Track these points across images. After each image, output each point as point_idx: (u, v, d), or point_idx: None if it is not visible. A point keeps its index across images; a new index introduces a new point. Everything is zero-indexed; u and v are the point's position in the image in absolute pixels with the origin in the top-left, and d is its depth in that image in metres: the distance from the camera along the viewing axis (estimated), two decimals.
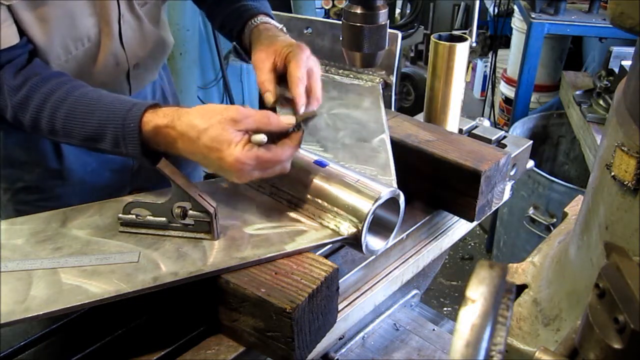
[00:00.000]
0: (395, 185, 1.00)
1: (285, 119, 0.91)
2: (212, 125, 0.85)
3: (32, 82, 0.97)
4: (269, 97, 1.02)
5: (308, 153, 1.03)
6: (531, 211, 2.53)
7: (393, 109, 1.40)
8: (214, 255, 0.86)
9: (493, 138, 1.29)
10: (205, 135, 0.85)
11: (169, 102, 1.46)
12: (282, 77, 1.05)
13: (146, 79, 1.32)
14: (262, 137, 0.87)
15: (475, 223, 1.20)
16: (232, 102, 3.81)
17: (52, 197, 1.28)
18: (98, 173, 1.31)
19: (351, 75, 1.38)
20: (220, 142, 0.84)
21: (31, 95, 0.96)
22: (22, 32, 0.99)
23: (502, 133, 1.32)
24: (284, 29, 1.18)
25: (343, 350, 1.19)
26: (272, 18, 1.19)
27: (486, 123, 1.38)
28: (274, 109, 1.00)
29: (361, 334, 1.23)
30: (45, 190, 1.28)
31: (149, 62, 1.28)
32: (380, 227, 0.97)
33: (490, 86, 3.93)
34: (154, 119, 0.90)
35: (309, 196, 0.96)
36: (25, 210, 1.28)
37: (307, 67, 1.02)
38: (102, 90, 0.99)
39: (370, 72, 1.37)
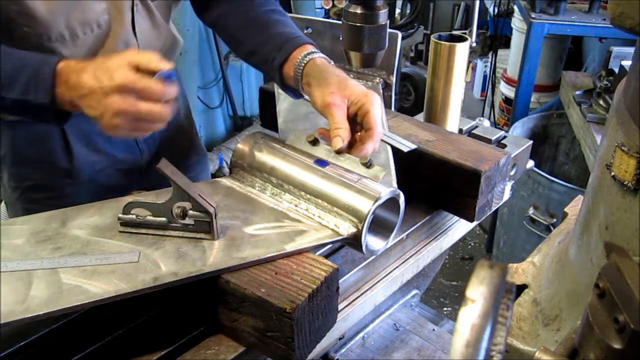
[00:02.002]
0: (395, 185, 1.00)
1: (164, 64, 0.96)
2: (105, 59, 0.94)
3: None
4: (338, 143, 1.00)
5: (308, 153, 1.03)
6: (531, 211, 2.53)
7: (393, 109, 1.40)
8: (214, 255, 0.86)
9: (493, 138, 1.29)
10: (96, 63, 0.93)
11: (179, 103, 1.46)
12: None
13: None
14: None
15: (475, 223, 1.20)
16: (232, 102, 3.81)
17: (60, 195, 1.29)
18: (107, 172, 1.31)
19: (351, 75, 1.38)
20: (108, 66, 0.92)
21: None
22: (26, 7, 1.00)
23: (502, 133, 1.32)
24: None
25: (343, 350, 1.19)
26: (317, 48, 1.14)
27: (486, 123, 1.38)
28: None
29: (361, 334, 1.23)
30: (54, 188, 1.29)
31: (162, 57, 1.28)
32: (380, 227, 0.97)
33: (490, 86, 3.93)
34: (65, 61, 0.95)
35: (309, 196, 0.96)
36: (33, 209, 1.28)
37: (345, 115, 1.01)
38: (13, 48, 1.01)
39: (370, 72, 1.37)
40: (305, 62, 1.08)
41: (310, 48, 1.11)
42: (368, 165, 1.01)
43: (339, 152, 1.00)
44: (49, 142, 1.23)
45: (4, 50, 0.97)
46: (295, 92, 1.15)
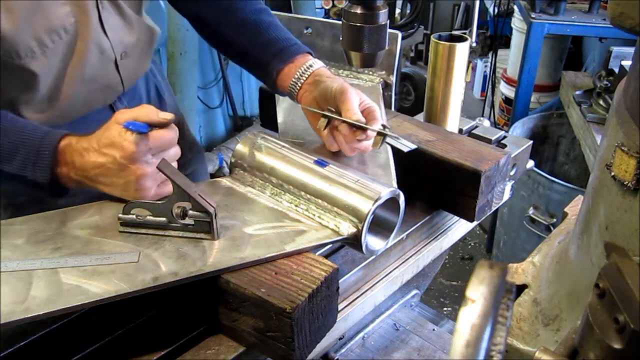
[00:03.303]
0: (395, 185, 1.00)
1: (165, 115, 0.95)
2: (102, 130, 0.94)
3: None
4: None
5: (308, 153, 1.03)
6: (531, 211, 2.53)
7: (393, 109, 1.40)
8: (214, 255, 0.86)
9: (493, 138, 1.29)
10: (95, 139, 0.93)
11: (164, 100, 1.45)
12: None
13: (137, 71, 1.31)
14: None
15: (475, 223, 1.20)
16: (232, 102, 3.81)
17: (54, 209, 1.27)
18: None
19: (351, 75, 1.38)
20: (109, 137, 0.92)
21: None
22: None
23: (502, 133, 1.32)
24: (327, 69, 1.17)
25: (343, 350, 1.19)
26: (312, 54, 1.17)
27: (486, 123, 1.38)
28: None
29: (361, 334, 1.23)
30: (47, 202, 1.25)
31: (137, 51, 1.26)
32: (380, 227, 0.97)
33: (490, 86, 3.93)
34: (67, 139, 0.96)
35: (309, 196, 0.96)
36: None
37: (358, 105, 1.04)
38: (17, 117, 1.02)
39: (370, 72, 1.37)
40: (306, 76, 1.12)
41: (311, 61, 1.14)
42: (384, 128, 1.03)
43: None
44: None
45: (7, 119, 0.97)
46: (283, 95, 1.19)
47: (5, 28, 0.99)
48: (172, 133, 0.95)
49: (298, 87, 1.12)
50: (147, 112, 0.94)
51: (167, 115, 0.95)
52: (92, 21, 1.11)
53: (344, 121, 1.02)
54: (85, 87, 1.17)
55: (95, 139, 0.93)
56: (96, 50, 1.14)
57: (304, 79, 1.12)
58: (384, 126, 1.03)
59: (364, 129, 1.02)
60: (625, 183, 0.64)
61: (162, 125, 0.94)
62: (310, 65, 1.13)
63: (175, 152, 0.97)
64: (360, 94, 1.05)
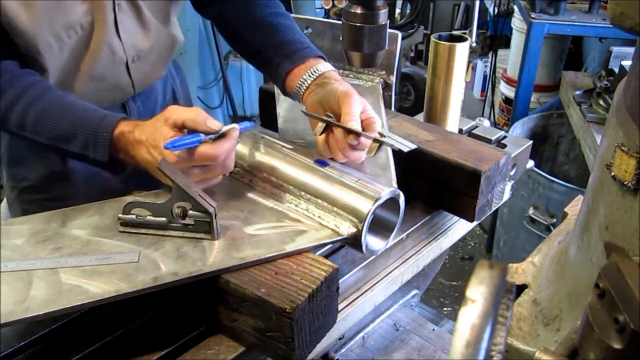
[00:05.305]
0: (395, 185, 1.00)
1: (213, 125, 0.93)
2: (152, 125, 0.94)
3: (7, 77, 0.99)
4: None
5: (308, 153, 1.03)
6: (531, 211, 2.53)
7: (393, 109, 1.40)
8: (214, 255, 0.86)
9: (493, 138, 1.29)
10: (146, 134, 0.94)
11: (180, 104, 1.46)
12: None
13: (151, 75, 1.31)
14: None
15: (475, 223, 1.20)
16: (232, 102, 3.81)
17: (56, 197, 1.28)
18: (104, 175, 1.29)
19: (351, 76, 1.38)
20: (156, 139, 0.92)
21: (6, 88, 0.98)
22: (9, 19, 0.99)
23: (502, 133, 1.32)
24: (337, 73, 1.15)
25: (343, 350, 1.19)
26: (325, 59, 1.16)
27: (486, 123, 1.38)
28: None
29: (361, 334, 1.23)
30: (49, 190, 1.28)
31: (152, 56, 1.26)
32: (380, 227, 0.97)
33: (490, 86, 3.93)
34: (122, 126, 0.97)
35: (309, 196, 0.96)
36: (31, 210, 1.28)
37: (359, 113, 1.01)
38: (76, 98, 1.04)
39: (370, 72, 1.37)
40: (313, 78, 1.11)
41: (320, 64, 1.13)
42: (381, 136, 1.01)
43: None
44: None
45: (66, 103, 1.00)
46: (293, 98, 1.18)
47: (26, 25, 1.01)
48: (218, 148, 0.93)
49: (305, 88, 1.11)
50: (196, 119, 0.92)
51: (215, 126, 0.93)
52: (108, 22, 1.12)
53: (339, 126, 1.00)
54: (94, 84, 1.18)
55: (146, 134, 0.94)
56: (108, 50, 1.15)
57: (312, 79, 1.11)
58: (380, 134, 1.01)
59: (357, 134, 0.99)
60: (625, 183, 0.64)
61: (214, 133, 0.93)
62: (320, 68, 1.12)
63: (223, 167, 0.96)
64: (365, 103, 1.03)
